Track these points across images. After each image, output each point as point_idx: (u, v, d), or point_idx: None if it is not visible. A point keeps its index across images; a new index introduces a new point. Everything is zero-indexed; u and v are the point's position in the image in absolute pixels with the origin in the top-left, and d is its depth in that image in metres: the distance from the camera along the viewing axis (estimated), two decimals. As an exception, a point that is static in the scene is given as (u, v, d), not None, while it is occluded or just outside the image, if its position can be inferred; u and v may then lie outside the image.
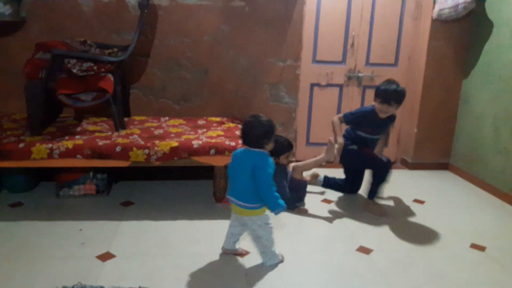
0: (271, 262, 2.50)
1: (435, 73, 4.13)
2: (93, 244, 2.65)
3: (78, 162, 2.94)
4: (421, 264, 2.59)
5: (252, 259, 2.56)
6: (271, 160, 2.36)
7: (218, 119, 3.88)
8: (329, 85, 4.25)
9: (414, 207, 3.46)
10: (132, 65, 3.78)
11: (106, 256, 2.52)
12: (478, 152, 3.95)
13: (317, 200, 3.50)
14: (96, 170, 3.28)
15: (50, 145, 2.91)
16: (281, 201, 2.34)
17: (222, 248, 2.60)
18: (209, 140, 3.14)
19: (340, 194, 3.65)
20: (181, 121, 3.74)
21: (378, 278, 2.42)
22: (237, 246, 2.61)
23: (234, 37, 3.89)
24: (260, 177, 2.29)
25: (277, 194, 2.34)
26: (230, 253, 2.59)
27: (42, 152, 2.89)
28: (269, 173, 2.30)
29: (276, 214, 2.36)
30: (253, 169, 2.30)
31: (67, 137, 3.06)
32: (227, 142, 3.12)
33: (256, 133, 2.33)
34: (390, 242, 2.85)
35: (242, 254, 2.60)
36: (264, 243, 2.46)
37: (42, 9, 3.59)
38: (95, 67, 3.07)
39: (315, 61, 4.18)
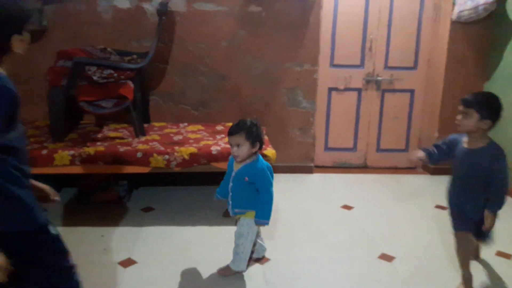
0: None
1: (455, 76, 4.07)
2: (115, 250, 2.67)
3: (100, 168, 2.97)
4: (444, 273, 2.54)
5: (272, 266, 2.55)
6: None
7: (236, 124, 3.88)
8: (347, 89, 4.22)
9: (437, 213, 3.41)
10: (151, 72, 3.81)
11: (127, 262, 2.54)
12: (501, 156, 3.86)
13: (336, 206, 3.47)
14: (117, 176, 3.31)
15: (72, 152, 2.95)
16: None
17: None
18: (227, 146, 3.14)
19: (362, 199, 3.60)
20: (199, 126, 3.76)
21: (400, 287, 2.39)
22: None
23: (251, 42, 3.89)
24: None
25: None
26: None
27: (65, 159, 2.93)
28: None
29: None
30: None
31: (88, 144, 3.10)
32: (246, 148, 3.11)
33: None
34: (413, 250, 2.81)
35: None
36: None
37: (63, 18, 3.66)
38: (115, 74, 3.10)
39: (333, 65, 4.16)
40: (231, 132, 2.25)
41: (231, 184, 2.34)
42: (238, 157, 2.25)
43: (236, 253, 2.40)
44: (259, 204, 2.30)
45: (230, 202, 2.37)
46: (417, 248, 2.82)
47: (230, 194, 2.36)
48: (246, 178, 2.28)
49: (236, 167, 2.32)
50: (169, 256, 2.63)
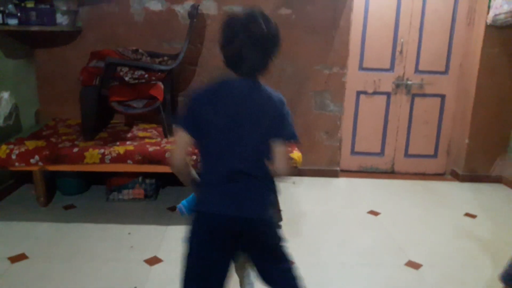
0: None
1: (488, 82, 3.96)
2: (141, 248, 2.72)
3: (129, 167, 3.04)
4: (472, 282, 2.48)
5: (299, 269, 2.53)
6: None
7: (262, 126, 3.89)
8: (376, 93, 4.16)
9: (465, 221, 3.32)
10: (181, 74, 3.87)
11: (153, 261, 2.58)
12: (535, 165, 3.74)
13: (363, 211, 3.43)
14: (145, 175, 3.37)
15: (102, 150, 3.02)
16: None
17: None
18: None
19: (388, 205, 3.55)
20: (226, 128, 3.78)
21: (428, 295, 2.34)
22: None
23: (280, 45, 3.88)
24: None
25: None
26: None
27: (95, 157, 3.01)
28: None
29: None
30: None
31: (118, 143, 3.16)
32: (272, 150, 3.12)
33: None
34: (441, 257, 2.74)
35: None
36: None
37: (96, 19, 3.75)
38: (146, 75, 3.16)
39: (362, 68, 4.12)
40: None
41: None
42: None
43: None
44: None
45: None
46: (445, 256, 2.76)
47: None
48: None
49: None
50: (194, 255, 2.65)
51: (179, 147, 1.54)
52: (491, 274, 2.56)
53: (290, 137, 1.54)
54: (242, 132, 1.50)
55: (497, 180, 4.19)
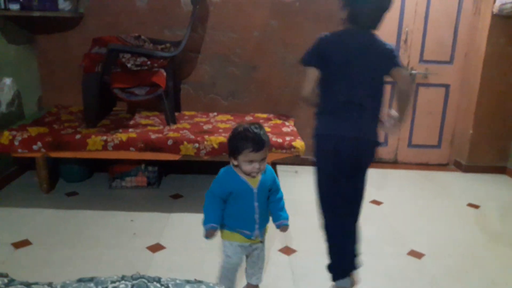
0: None
1: (493, 72, 3.93)
2: (144, 235, 2.72)
3: (131, 154, 3.03)
4: (475, 271, 2.48)
5: (299, 258, 2.54)
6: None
7: (265, 115, 3.88)
8: (379, 82, 4.13)
9: (468, 211, 3.32)
10: (183, 61, 3.84)
11: (156, 248, 2.58)
12: (539, 156, 3.73)
13: (365, 200, 3.41)
14: (148, 162, 3.36)
15: (104, 137, 3.01)
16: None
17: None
18: (257, 136, 3.14)
19: (391, 195, 3.55)
20: (229, 116, 3.77)
21: (429, 284, 2.34)
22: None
23: (283, 33, 3.86)
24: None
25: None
26: None
27: (97, 144, 3.00)
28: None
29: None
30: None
31: (120, 130, 3.15)
32: (274, 139, 3.10)
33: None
34: (443, 247, 2.74)
35: None
36: None
37: (98, 5, 3.72)
38: (148, 62, 3.14)
39: (366, 57, 4.08)
40: (259, 147, 1.77)
41: (256, 203, 1.90)
42: (260, 172, 1.87)
43: (260, 269, 2.17)
44: (282, 203, 1.98)
45: (257, 225, 1.95)
46: (447, 246, 2.76)
47: (257, 216, 1.93)
48: (270, 189, 1.94)
49: (254, 183, 1.89)
50: (197, 243, 2.64)
51: (308, 81, 1.94)
52: (493, 264, 2.56)
53: (399, 65, 1.90)
54: (358, 70, 1.86)
55: (501, 171, 4.18)
